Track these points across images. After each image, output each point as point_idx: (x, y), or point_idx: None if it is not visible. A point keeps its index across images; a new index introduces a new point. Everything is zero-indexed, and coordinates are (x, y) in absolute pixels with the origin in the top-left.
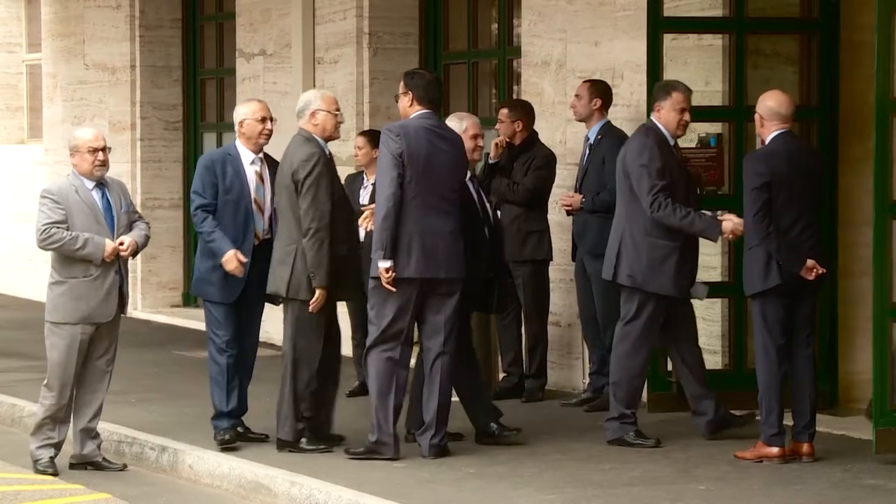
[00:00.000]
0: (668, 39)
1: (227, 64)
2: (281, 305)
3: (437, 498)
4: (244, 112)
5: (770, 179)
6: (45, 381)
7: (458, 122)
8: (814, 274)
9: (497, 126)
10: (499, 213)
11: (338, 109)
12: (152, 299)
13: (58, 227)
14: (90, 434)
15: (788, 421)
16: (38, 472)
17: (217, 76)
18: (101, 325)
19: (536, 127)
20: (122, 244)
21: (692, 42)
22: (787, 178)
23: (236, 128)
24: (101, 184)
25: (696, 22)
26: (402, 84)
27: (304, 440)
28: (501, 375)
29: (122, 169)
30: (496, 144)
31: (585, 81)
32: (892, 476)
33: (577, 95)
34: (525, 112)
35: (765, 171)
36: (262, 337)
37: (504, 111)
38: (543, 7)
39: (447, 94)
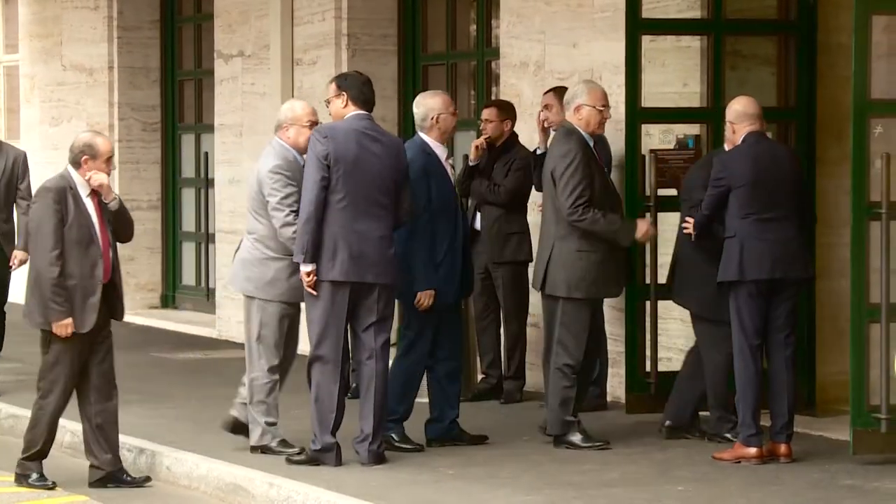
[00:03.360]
0: (647, 41)
1: (205, 65)
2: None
3: (416, 499)
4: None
5: (731, 179)
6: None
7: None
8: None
9: (483, 127)
10: (478, 215)
11: (604, 105)
12: (130, 301)
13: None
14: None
15: (766, 422)
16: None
17: (195, 77)
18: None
19: (515, 128)
20: None
21: (670, 43)
22: (750, 178)
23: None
24: None
25: (674, 23)
26: (333, 87)
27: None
28: (480, 377)
29: None
30: (476, 146)
31: (548, 91)
32: (870, 477)
33: (546, 106)
34: (513, 112)
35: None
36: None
37: (493, 111)
38: (522, 8)
39: None
